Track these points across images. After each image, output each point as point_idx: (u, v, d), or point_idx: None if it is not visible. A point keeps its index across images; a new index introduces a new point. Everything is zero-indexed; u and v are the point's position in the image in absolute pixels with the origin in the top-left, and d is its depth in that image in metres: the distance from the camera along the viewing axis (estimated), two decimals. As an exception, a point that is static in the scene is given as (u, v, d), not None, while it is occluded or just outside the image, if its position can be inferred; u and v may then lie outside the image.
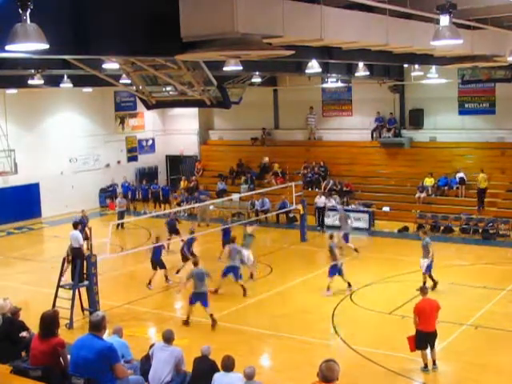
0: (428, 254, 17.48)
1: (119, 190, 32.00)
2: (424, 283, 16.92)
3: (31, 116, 30.07)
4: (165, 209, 30.30)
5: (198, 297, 15.62)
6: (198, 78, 13.64)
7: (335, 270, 17.71)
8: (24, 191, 29.47)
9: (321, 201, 26.78)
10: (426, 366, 12.58)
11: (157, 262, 18.83)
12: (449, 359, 13.32)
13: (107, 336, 8.83)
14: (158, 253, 18.87)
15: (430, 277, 17.58)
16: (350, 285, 17.86)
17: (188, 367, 10.25)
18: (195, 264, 16.06)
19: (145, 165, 36.24)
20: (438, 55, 16.56)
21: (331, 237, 18.70)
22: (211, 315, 15.47)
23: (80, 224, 20.89)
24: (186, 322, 15.71)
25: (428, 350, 12.60)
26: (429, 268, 17.55)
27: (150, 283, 18.64)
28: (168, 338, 9.90)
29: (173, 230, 23.06)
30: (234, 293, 18.28)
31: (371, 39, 12.00)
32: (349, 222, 23.13)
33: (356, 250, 22.04)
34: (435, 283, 17.55)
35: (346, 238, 22.16)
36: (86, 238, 21.59)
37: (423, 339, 12.46)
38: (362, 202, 28.01)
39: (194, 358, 10.29)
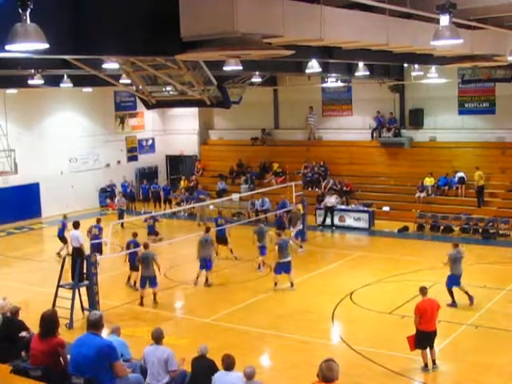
0: (451, 266, 16.28)
1: (118, 189, 31.95)
2: (452, 299, 16.16)
3: (31, 116, 30.07)
4: (165, 209, 30.34)
5: (145, 280, 17.08)
6: (198, 77, 13.64)
7: (282, 268, 17.96)
8: (24, 191, 29.47)
9: (330, 201, 26.96)
10: (426, 365, 12.58)
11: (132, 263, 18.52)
12: (449, 359, 13.32)
13: (105, 335, 8.82)
14: (132, 255, 18.50)
15: (449, 292, 16.20)
16: (292, 284, 18.16)
17: (188, 367, 10.25)
18: (145, 247, 17.46)
19: (145, 165, 36.25)
20: (437, 55, 16.56)
21: (279, 234, 18.63)
22: (154, 294, 17.21)
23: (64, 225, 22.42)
24: (141, 304, 17.08)
25: (428, 350, 12.61)
26: (450, 281, 16.25)
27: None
28: (157, 338, 9.84)
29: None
30: (234, 293, 18.32)
31: (371, 39, 12.00)
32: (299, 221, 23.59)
33: (301, 246, 22.64)
34: (452, 302, 16.18)
35: (297, 235, 23.06)
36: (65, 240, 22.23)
37: (424, 339, 12.45)
38: (361, 201, 28.03)
39: (192, 358, 10.27)
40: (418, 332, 12.43)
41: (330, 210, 27.05)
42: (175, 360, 9.69)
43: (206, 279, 18.87)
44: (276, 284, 18.17)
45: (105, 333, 8.06)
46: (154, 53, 10.03)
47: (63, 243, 22.60)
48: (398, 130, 30.59)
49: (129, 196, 31.56)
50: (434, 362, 12.63)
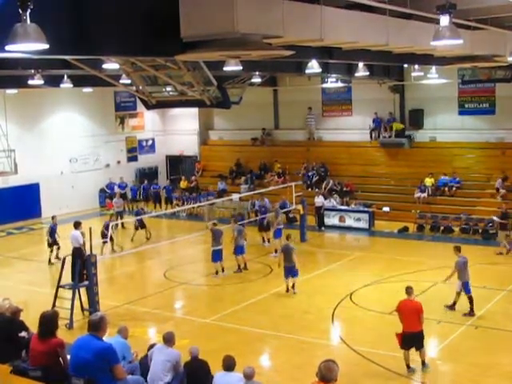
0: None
1: (117, 189, 31.90)
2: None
3: (31, 116, 30.08)
4: (166, 209, 30.28)
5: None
6: (198, 78, 13.66)
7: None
8: (24, 191, 29.47)
9: (318, 200, 26.83)
10: (408, 366, 12.39)
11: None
12: (449, 359, 13.33)
13: (110, 336, 8.80)
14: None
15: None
16: (293, 286, 17.93)
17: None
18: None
19: (145, 165, 36.26)
20: (438, 55, 16.56)
21: (288, 238, 18.53)
22: None
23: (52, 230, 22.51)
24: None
25: (415, 351, 12.40)
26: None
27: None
28: (167, 340, 9.83)
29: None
30: (234, 293, 18.31)
31: (371, 39, 12.00)
32: (279, 218, 23.19)
33: (275, 250, 21.97)
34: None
35: (276, 233, 22.65)
36: (57, 243, 22.42)
37: (406, 340, 12.32)
38: (361, 202, 28.02)
39: (185, 363, 10.08)
40: (402, 332, 12.35)
41: (318, 210, 26.88)
42: (180, 363, 9.63)
43: (239, 266, 20.06)
44: (288, 289, 17.86)
45: (111, 333, 8.05)
46: (154, 53, 10.03)
47: (51, 246, 22.60)
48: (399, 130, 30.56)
49: (129, 197, 31.45)
50: (423, 362, 12.43)
